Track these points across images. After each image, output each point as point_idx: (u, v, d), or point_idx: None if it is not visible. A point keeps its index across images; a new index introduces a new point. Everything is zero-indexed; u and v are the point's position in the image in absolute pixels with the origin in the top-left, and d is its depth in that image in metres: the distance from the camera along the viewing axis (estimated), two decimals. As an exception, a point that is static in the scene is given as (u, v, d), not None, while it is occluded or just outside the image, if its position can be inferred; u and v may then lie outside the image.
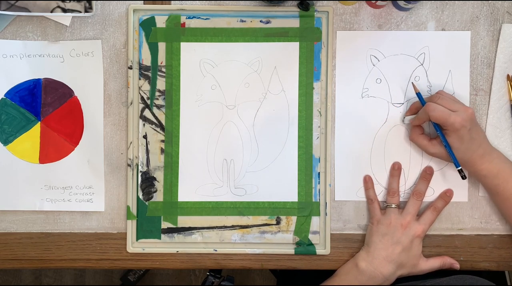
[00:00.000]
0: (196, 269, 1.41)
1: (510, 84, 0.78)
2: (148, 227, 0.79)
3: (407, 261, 0.75)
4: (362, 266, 0.75)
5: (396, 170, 0.77)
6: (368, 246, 0.76)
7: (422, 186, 0.77)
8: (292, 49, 0.78)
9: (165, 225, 0.79)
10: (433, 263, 0.76)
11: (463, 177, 0.74)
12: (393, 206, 0.76)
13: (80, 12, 0.78)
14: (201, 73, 0.79)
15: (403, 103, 0.79)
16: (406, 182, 0.79)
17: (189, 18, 0.79)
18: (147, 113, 0.79)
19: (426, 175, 0.77)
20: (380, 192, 0.79)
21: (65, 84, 0.79)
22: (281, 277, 1.08)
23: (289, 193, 0.79)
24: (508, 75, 0.78)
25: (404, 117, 0.78)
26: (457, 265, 0.77)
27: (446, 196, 0.77)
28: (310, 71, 0.78)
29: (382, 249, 0.74)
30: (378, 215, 0.76)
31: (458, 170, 0.73)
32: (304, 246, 0.78)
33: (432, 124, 0.75)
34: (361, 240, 0.79)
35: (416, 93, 0.76)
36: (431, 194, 0.78)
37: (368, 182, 0.78)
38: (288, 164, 0.79)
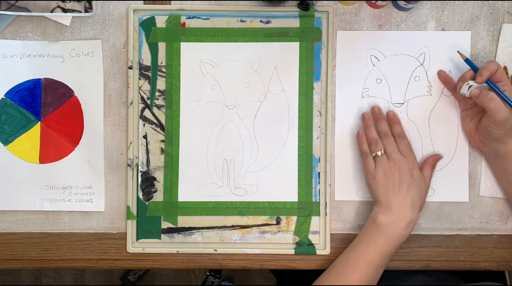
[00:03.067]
0: (196, 269, 1.41)
1: (508, 77, 0.78)
2: (148, 227, 0.79)
3: (417, 192, 0.73)
4: (380, 218, 0.71)
5: (367, 119, 0.76)
6: (377, 201, 0.74)
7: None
8: (292, 49, 0.78)
9: (165, 225, 0.79)
10: (428, 174, 0.75)
11: None
12: (379, 153, 0.74)
13: (80, 12, 0.78)
14: (201, 73, 0.79)
15: (403, 103, 0.79)
16: (406, 182, 0.79)
17: (189, 18, 0.79)
18: (147, 113, 0.79)
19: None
20: (380, 192, 0.79)
21: (65, 84, 0.79)
22: (281, 277, 1.08)
23: (289, 193, 0.79)
24: (505, 67, 0.78)
25: (464, 87, 0.72)
26: (440, 156, 0.77)
27: (391, 117, 0.77)
28: (310, 71, 0.78)
29: (391, 197, 0.72)
30: (372, 168, 0.74)
31: None
32: (304, 246, 0.78)
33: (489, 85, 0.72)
34: (361, 240, 0.79)
35: (465, 60, 0.74)
36: (431, 194, 0.78)
37: (361, 137, 0.76)
38: (288, 164, 0.79)
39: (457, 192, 0.79)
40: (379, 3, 0.77)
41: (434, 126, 0.79)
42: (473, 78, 0.72)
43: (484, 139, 0.74)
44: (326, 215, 0.78)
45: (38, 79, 0.79)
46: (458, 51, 0.76)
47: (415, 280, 0.83)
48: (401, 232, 0.71)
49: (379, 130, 0.76)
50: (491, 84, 0.71)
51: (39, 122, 0.79)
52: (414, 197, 0.72)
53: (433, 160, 0.77)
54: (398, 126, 0.76)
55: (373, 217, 0.73)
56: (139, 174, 0.79)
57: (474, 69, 0.73)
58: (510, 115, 0.70)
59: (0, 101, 0.79)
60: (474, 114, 0.76)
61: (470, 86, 0.71)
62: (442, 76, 0.77)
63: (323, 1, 0.79)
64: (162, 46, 0.79)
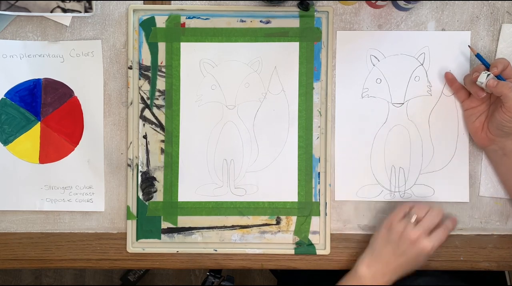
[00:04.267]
0: (196, 269, 1.41)
1: None
2: (148, 227, 0.79)
3: (409, 269, 0.73)
4: (362, 271, 0.73)
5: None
6: (372, 248, 0.74)
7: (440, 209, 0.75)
8: (292, 49, 0.78)
9: (165, 225, 0.79)
10: (438, 236, 0.73)
11: None
12: (412, 219, 0.72)
13: (80, 12, 0.78)
14: (201, 73, 0.79)
15: (403, 103, 0.79)
16: (406, 182, 0.79)
17: (189, 18, 0.79)
18: (147, 113, 0.79)
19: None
20: (380, 191, 0.79)
21: (65, 84, 0.79)
22: (281, 277, 1.08)
23: (289, 193, 0.79)
24: None
25: (482, 75, 0.71)
26: (456, 221, 0.76)
27: (453, 220, 0.76)
28: (310, 71, 0.78)
29: (385, 255, 0.72)
30: (394, 220, 0.73)
31: None
32: (304, 246, 0.78)
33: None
34: (361, 240, 0.79)
35: (476, 55, 0.75)
36: (431, 194, 0.78)
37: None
38: (288, 164, 0.79)
39: (457, 192, 0.79)
40: (379, 3, 0.77)
41: (434, 126, 0.79)
42: None
43: (493, 136, 0.74)
44: (326, 215, 0.78)
45: (38, 79, 0.79)
46: (469, 46, 0.77)
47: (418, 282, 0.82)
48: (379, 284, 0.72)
49: (435, 211, 0.73)
50: (503, 79, 0.71)
51: (39, 122, 0.79)
52: (404, 271, 0.73)
53: (452, 225, 0.75)
54: (452, 224, 0.75)
55: (358, 264, 0.74)
56: (139, 174, 0.79)
57: (485, 64, 0.73)
58: None
59: (0, 101, 0.79)
60: (480, 112, 0.76)
61: (488, 75, 0.70)
62: (449, 78, 0.77)
63: (323, 1, 0.79)
64: (162, 46, 0.79)
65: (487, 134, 0.75)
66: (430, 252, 0.72)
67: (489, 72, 0.71)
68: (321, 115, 0.79)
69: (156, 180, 0.79)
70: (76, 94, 0.79)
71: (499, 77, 0.71)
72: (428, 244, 0.71)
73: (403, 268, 0.73)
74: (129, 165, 0.79)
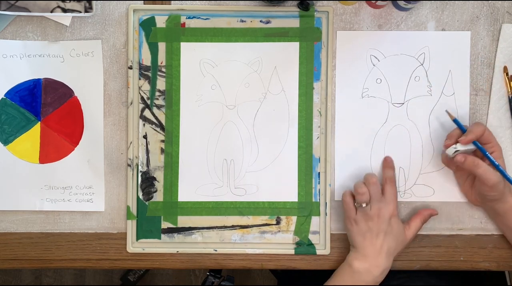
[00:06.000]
0: (196, 269, 1.41)
1: (507, 77, 0.78)
2: (148, 227, 0.79)
3: (394, 241, 0.74)
4: (356, 265, 0.73)
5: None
6: (354, 247, 0.75)
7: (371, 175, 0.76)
8: (292, 49, 0.78)
9: (165, 225, 0.79)
10: (416, 225, 0.76)
11: None
12: (364, 204, 0.74)
13: (80, 12, 0.78)
14: (201, 73, 0.79)
15: (403, 103, 0.79)
16: (407, 182, 0.79)
17: (189, 18, 0.79)
18: (147, 113, 0.79)
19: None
20: (380, 192, 0.79)
21: (65, 84, 0.79)
22: (282, 278, 1.08)
23: (289, 193, 0.79)
24: (505, 67, 0.78)
25: (450, 150, 0.72)
26: (435, 212, 0.77)
27: (387, 162, 0.77)
28: (310, 71, 0.78)
29: (369, 245, 0.73)
30: (353, 214, 0.75)
31: None
32: (304, 246, 0.78)
33: (478, 148, 0.72)
34: (361, 240, 0.79)
35: (454, 120, 0.74)
36: (431, 194, 0.78)
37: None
38: (288, 164, 0.79)
39: (457, 192, 0.79)
40: (379, 3, 0.77)
41: (434, 126, 0.79)
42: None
43: (481, 200, 0.75)
44: (326, 215, 0.78)
45: (38, 79, 0.79)
46: (446, 111, 0.76)
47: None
48: (375, 279, 0.73)
49: (368, 180, 0.75)
50: (478, 146, 0.72)
51: (39, 122, 0.79)
52: (391, 245, 0.73)
53: (427, 214, 0.77)
54: (391, 171, 0.77)
55: (349, 261, 0.74)
56: (139, 174, 0.79)
57: (462, 129, 0.73)
58: (501, 177, 0.71)
59: (0, 101, 0.79)
60: (466, 175, 0.76)
61: (456, 151, 0.72)
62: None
63: (323, 1, 0.79)
64: (162, 46, 0.79)
65: (475, 197, 0.76)
66: (396, 212, 0.74)
67: (459, 147, 0.71)
68: (321, 115, 0.79)
69: (156, 180, 0.79)
70: (76, 94, 0.79)
71: (475, 143, 0.72)
72: (389, 207, 0.74)
73: (389, 241, 0.73)
74: (129, 165, 0.79)
